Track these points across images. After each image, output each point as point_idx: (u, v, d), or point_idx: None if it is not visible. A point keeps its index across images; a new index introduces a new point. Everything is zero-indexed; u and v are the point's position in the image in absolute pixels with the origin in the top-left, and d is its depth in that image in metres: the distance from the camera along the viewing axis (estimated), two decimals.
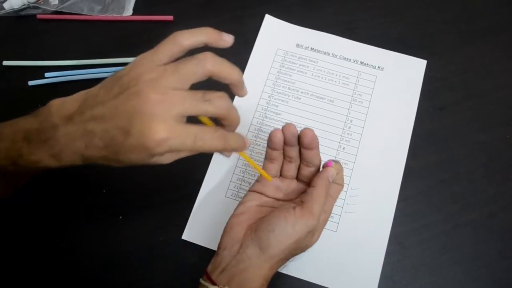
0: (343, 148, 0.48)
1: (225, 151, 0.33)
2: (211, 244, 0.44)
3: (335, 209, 0.45)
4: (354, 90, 0.50)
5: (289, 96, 0.50)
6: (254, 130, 0.49)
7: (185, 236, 0.44)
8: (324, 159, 0.46)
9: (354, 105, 0.50)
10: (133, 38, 0.54)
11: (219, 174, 0.47)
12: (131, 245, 0.44)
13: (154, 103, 0.29)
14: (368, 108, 0.49)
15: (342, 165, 0.46)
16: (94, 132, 0.31)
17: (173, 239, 0.44)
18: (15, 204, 0.45)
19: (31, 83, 0.51)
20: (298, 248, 0.36)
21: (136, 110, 0.29)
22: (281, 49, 0.53)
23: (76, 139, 0.32)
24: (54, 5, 0.55)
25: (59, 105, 0.33)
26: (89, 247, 0.44)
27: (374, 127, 0.49)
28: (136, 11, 0.55)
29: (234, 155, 0.46)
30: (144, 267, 0.43)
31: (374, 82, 0.51)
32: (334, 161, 0.39)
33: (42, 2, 0.55)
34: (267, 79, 0.51)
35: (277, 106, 0.50)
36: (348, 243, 0.44)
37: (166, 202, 0.46)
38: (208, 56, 0.31)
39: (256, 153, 0.48)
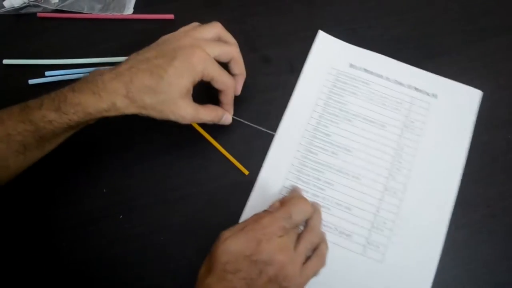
0: (393, 176, 0.46)
1: (230, 88, 0.43)
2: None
3: (381, 239, 0.44)
4: (406, 116, 0.49)
5: (340, 117, 0.49)
6: (303, 150, 0.47)
7: None
8: (374, 187, 0.46)
9: (406, 132, 0.48)
10: (133, 37, 0.54)
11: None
12: (132, 244, 0.44)
13: (192, 42, 0.40)
14: (420, 136, 0.48)
15: (392, 194, 0.46)
16: (139, 67, 0.38)
17: (173, 239, 0.44)
18: (14, 204, 0.45)
19: (31, 81, 0.50)
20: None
21: (180, 46, 0.39)
22: (334, 68, 0.51)
23: (121, 75, 0.38)
24: (54, 3, 0.54)
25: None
26: (90, 246, 0.44)
27: (426, 156, 0.47)
28: (136, 9, 0.55)
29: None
30: (145, 267, 0.43)
31: (427, 109, 0.49)
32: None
33: (42, 1, 0.54)
34: (318, 98, 0.50)
35: (327, 127, 0.48)
36: (393, 274, 0.43)
37: (166, 202, 0.45)
38: (219, 25, 0.43)
39: (303, 174, 0.46)
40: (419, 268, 0.43)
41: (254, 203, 0.45)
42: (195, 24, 0.44)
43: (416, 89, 0.50)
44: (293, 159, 0.47)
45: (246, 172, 0.46)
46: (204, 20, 0.52)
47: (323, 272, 0.41)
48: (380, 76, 0.51)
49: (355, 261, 0.43)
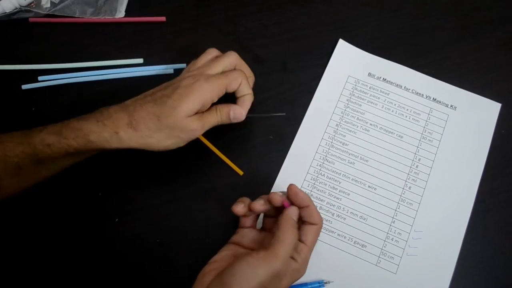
0: (409, 187, 0.46)
1: (243, 81, 0.42)
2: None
3: (396, 250, 0.44)
4: (424, 127, 0.49)
5: (357, 126, 0.49)
6: (319, 158, 0.48)
7: None
8: (390, 198, 0.46)
9: (424, 143, 0.48)
10: (126, 40, 0.54)
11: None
12: (128, 247, 0.44)
13: (192, 73, 0.41)
14: (437, 147, 0.48)
15: (407, 205, 0.45)
16: (145, 99, 0.39)
17: (169, 241, 0.44)
18: (10, 208, 0.45)
19: (24, 87, 0.50)
20: None
21: (183, 78, 0.41)
22: (352, 77, 0.51)
23: (126, 106, 0.39)
24: (46, 8, 0.54)
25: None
26: (85, 250, 0.44)
27: (443, 168, 0.47)
28: (128, 12, 0.55)
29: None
30: (141, 269, 0.43)
31: (446, 121, 0.49)
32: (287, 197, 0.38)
33: (34, 6, 0.54)
34: (336, 106, 0.50)
35: (344, 136, 0.48)
36: (407, 286, 0.43)
37: (161, 204, 0.46)
38: (214, 50, 0.45)
39: (319, 183, 0.47)
40: (433, 281, 0.43)
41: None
42: (195, 60, 0.44)
43: (435, 100, 0.50)
44: (309, 168, 0.47)
45: (241, 172, 0.47)
46: (196, 21, 0.54)
47: (337, 281, 0.42)
48: (399, 86, 0.51)
49: (369, 272, 0.43)
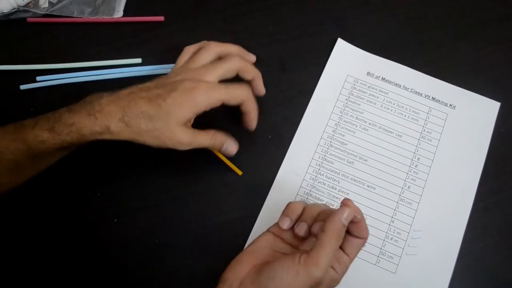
0: (408, 187, 0.46)
1: (246, 99, 0.42)
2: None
3: (395, 250, 0.44)
4: (423, 126, 0.49)
5: (356, 126, 0.49)
6: (318, 158, 0.47)
7: None
8: (389, 197, 0.46)
9: (423, 142, 0.48)
10: (124, 40, 0.54)
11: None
12: (127, 247, 0.44)
13: (191, 76, 0.40)
14: (436, 147, 0.48)
15: (407, 205, 0.45)
16: (139, 94, 0.38)
17: (167, 241, 0.44)
18: (8, 209, 0.45)
19: (22, 87, 0.50)
20: None
21: (180, 80, 0.39)
22: (351, 76, 0.51)
23: (119, 99, 0.38)
24: (44, 8, 0.54)
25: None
26: (84, 250, 0.44)
27: (442, 167, 0.47)
28: (126, 12, 0.55)
29: None
30: (139, 270, 0.43)
31: (445, 120, 0.49)
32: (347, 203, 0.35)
33: (32, 6, 0.54)
34: (335, 106, 0.50)
35: (343, 135, 0.48)
36: (406, 285, 0.43)
37: (159, 204, 0.46)
38: (212, 44, 0.43)
39: (318, 182, 0.47)
40: (432, 280, 0.43)
41: (267, 213, 0.45)
42: (189, 49, 0.44)
43: (434, 99, 0.50)
44: (308, 167, 0.47)
45: (240, 172, 0.47)
46: (194, 21, 0.54)
47: None
48: (398, 85, 0.50)
49: (368, 271, 0.43)
